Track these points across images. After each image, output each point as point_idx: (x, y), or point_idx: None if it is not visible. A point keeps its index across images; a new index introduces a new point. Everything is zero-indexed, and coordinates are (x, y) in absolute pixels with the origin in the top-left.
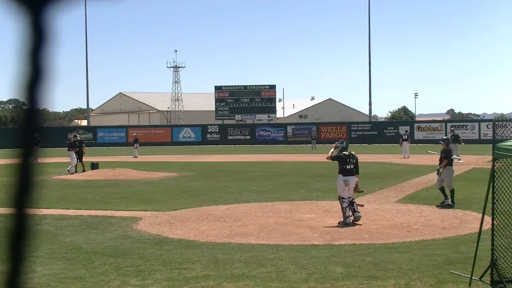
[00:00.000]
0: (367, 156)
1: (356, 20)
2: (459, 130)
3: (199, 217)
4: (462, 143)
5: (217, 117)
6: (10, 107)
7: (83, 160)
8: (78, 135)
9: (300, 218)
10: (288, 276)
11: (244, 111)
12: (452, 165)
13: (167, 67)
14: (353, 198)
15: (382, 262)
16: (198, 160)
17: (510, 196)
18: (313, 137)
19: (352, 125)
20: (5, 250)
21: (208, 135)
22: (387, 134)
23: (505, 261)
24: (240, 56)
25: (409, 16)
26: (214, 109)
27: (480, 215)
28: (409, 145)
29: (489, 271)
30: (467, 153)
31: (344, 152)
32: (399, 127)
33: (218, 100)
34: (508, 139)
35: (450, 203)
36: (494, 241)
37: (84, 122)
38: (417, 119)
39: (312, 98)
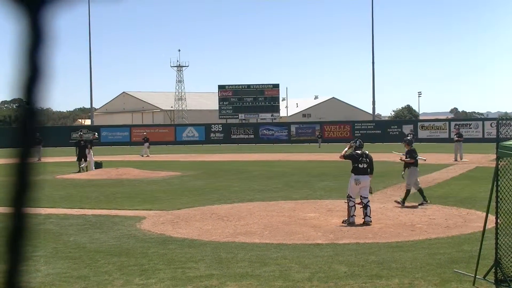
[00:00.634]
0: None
1: (359, 19)
2: (463, 129)
3: (203, 216)
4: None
5: (220, 116)
6: (14, 107)
7: (87, 160)
8: (83, 135)
9: (304, 217)
10: (291, 275)
11: (248, 110)
12: (417, 166)
13: (171, 66)
14: (368, 201)
15: (386, 261)
16: (201, 159)
17: None
18: (319, 136)
19: (355, 124)
20: (4, 249)
21: (212, 134)
22: (390, 133)
23: (509, 260)
24: (244, 55)
25: (412, 15)
26: (217, 108)
27: (484, 214)
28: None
29: (493, 270)
30: (471, 152)
31: (357, 151)
32: (402, 126)
33: (221, 99)
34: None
35: (424, 202)
36: (498, 240)
37: (87, 122)
38: (420, 118)
39: (316, 97)
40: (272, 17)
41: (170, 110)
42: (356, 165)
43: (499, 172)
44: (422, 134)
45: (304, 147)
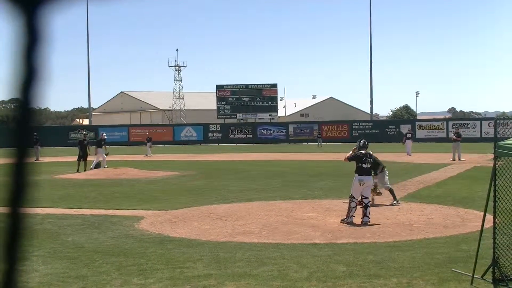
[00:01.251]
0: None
1: (357, 18)
2: (461, 129)
3: (201, 216)
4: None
5: (218, 116)
6: (12, 107)
7: (87, 159)
8: (86, 134)
9: (302, 217)
10: (290, 275)
11: (246, 110)
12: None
13: (169, 66)
14: (369, 202)
15: (384, 260)
16: (199, 159)
17: (511, 195)
18: (318, 135)
19: (353, 124)
20: (1, 249)
21: (210, 134)
22: (388, 132)
23: (507, 259)
24: (242, 55)
25: (410, 15)
26: (215, 108)
27: (482, 213)
28: (412, 143)
29: (491, 269)
30: (468, 151)
31: (361, 151)
32: (400, 126)
33: (219, 99)
34: (509, 138)
35: (394, 202)
36: (496, 240)
37: (85, 121)
38: (418, 117)
39: (314, 97)
40: (270, 17)
41: (168, 110)
42: (360, 165)
43: (497, 172)
44: (420, 133)
45: (302, 147)
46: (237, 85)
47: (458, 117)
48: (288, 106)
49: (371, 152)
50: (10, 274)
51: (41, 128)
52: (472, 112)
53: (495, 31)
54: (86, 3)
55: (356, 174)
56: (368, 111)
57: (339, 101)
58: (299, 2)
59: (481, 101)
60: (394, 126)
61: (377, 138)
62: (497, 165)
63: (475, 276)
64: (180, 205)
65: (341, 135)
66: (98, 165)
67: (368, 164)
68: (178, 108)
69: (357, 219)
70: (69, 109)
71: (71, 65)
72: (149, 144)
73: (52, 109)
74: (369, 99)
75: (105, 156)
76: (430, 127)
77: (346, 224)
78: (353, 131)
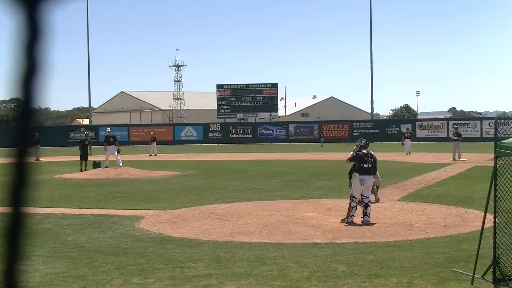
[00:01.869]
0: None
1: (358, 18)
2: (461, 128)
3: (201, 215)
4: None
5: (219, 116)
6: (12, 106)
7: (87, 159)
8: (88, 134)
9: (302, 217)
10: (290, 275)
11: (246, 110)
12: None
13: (169, 66)
14: (370, 201)
15: (384, 260)
16: (200, 159)
17: None
18: (321, 135)
19: (354, 123)
20: (1, 249)
21: (210, 134)
22: (389, 132)
23: (507, 259)
24: (242, 54)
25: (410, 14)
26: (216, 108)
27: (482, 213)
28: (411, 143)
29: (491, 269)
30: (469, 151)
31: (362, 151)
32: (401, 125)
33: (220, 99)
34: (510, 137)
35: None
36: (496, 239)
37: (86, 121)
38: (419, 117)
39: (314, 97)
40: (270, 17)
41: (169, 110)
42: (361, 164)
43: (497, 171)
44: (420, 133)
45: (302, 147)
46: (237, 84)
47: (458, 117)
48: (289, 105)
49: (371, 152)
50: (10, 274)
51: (41, 128)
52: (472, 111)
53: (496, 31)
54: (87, 2)
55: (357, 174)
56: (369, 110)
57: (340, 100)
58: (300, 1)
59: (482, 100)
60: (394, 126)
61: (378, 138)
62: (497, 165)
63: (475, 275)
64: (180, 205)
65: (341, 134)
66: (97, 165)
67: (369, 164)
68: (178, 108)
69: (358, 219)
70: (69, 108)
71: (72, 65)
72: (153, 143)
73: (52, 109)
74: (370, 99)
75: (117, 154)
76: (430, 127)
77: (346, 224)
78: (354, 131)
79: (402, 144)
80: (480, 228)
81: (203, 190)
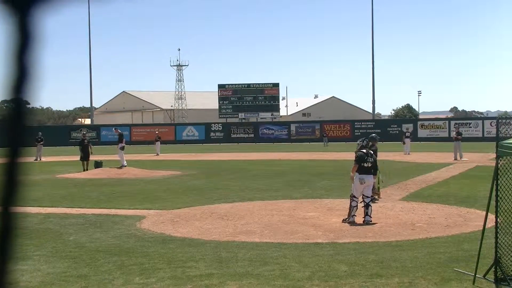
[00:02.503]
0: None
1: (359, 18)
2: (463, 128)
3: (203, 215)
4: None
5: (220, 116)
6: (4, 107)
7: (89, 159)
8: (85, 134)
9: (304, 216)
10: (291, 274)
11: (248, 110)
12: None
13: (171, 66)
14: (371, 201)
15: (386, 260)
16: (201, 159)
17: None
18: (324, 135)
19: (355, 123)
20: None
21: (212, 134)
22: (390, 132)
23: (509, 259)
24: (244, 54)
25: (412, 14)
26: (217, 108)
27: (484, 213)
28: (411, 142)
29: (493, 269)
30: (470, 151)
31: (362, 150)
32: (402, 125)
33: (221, 99)
34: (511, 137)
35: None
36: (498, 239)
37: (87, 121)
38: (420, 117)
39: (316, 96)
40: (272, 16)
41: (170, 110)
42: (362, 164)
43: (499, 171)
44: (422, 133)
45: (304, 146)
46: (239, 84)
47: (460, 117)
48: (290, 105)
49: (371, 152)
50: (1, 274)
51: (43, 128)
52: (474, 111)
53: (497, 30)
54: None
55: (357, 173)
56: (370, 110)
57: (341, 100)
58: (301, 1)
59: (483, 100)
60: (396, 126)
61: (379, 138)
62: (499, 165)
63: (477, 275)
64: (182, 205)
65: (343, 134)
66: (98, 165)
67: (369, 163)
68: (180, 108)
69: (359, 219)
70: (71, 108)
71: (73, 65)
72: (157, 143)
73: (54, 109)
74: (371, 99)
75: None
76: (432, 127)
77: (348, 224)
78: (355, 131)
79: (404, 144)
80: (482, 228)
81: (204, 190)
